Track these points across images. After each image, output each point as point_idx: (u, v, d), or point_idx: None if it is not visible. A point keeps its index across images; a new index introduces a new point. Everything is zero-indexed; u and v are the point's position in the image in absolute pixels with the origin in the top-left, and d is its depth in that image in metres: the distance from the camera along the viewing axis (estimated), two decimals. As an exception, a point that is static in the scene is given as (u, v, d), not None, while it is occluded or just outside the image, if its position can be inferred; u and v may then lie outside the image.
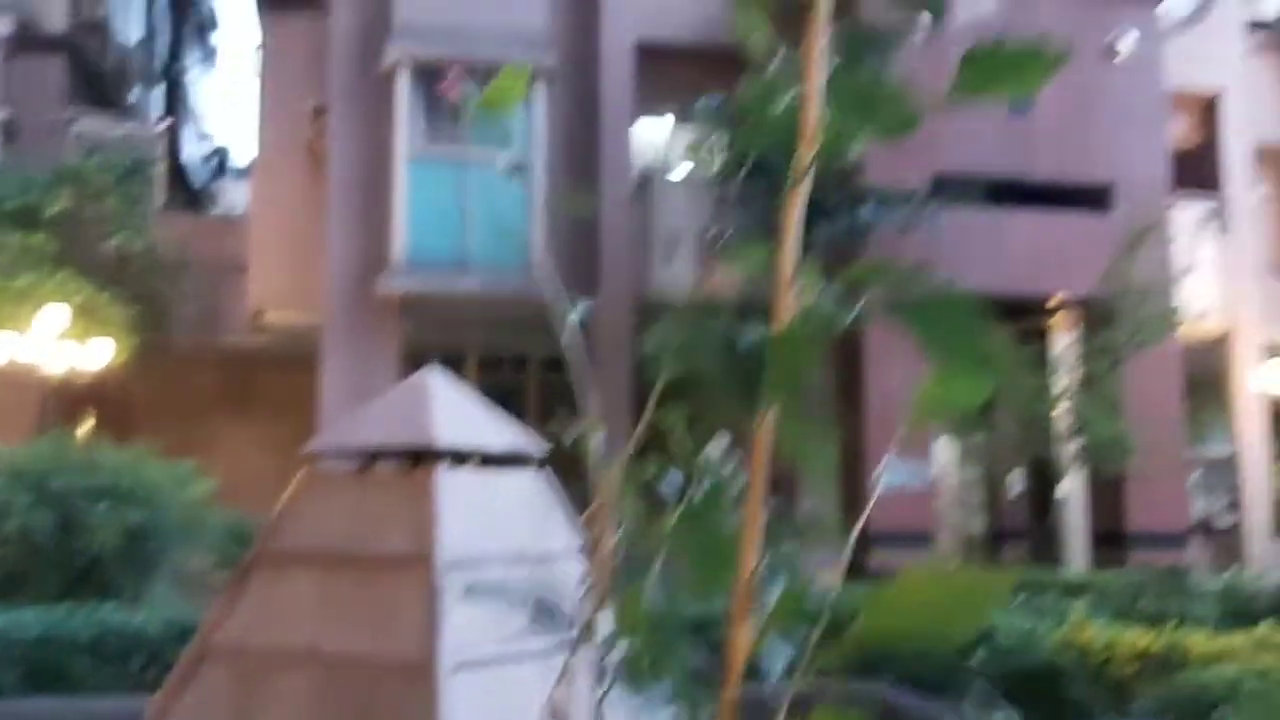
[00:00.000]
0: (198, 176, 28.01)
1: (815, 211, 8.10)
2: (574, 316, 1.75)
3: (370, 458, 3.49)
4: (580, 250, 14.33)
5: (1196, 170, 16.03)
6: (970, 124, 13.80)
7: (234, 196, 25.70)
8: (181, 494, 8.76)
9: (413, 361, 13.04)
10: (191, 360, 16.96)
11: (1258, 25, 17.10)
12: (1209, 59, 16.22)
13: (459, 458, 3.38)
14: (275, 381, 16.62)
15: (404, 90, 13.97)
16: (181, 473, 9.00)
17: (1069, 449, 13.28)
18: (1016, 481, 15.56)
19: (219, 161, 33.00)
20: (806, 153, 1.09)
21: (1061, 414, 13.20)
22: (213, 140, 33.25)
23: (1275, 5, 17.44)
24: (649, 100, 14.90)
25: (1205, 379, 15.48)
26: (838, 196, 12.38)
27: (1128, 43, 14.30)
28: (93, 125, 14.21)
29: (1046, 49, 1.03)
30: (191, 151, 27.89)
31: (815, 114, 1.10)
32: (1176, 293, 13.78)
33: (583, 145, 14.60)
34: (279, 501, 3.46)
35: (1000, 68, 1.05)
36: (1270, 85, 16.97)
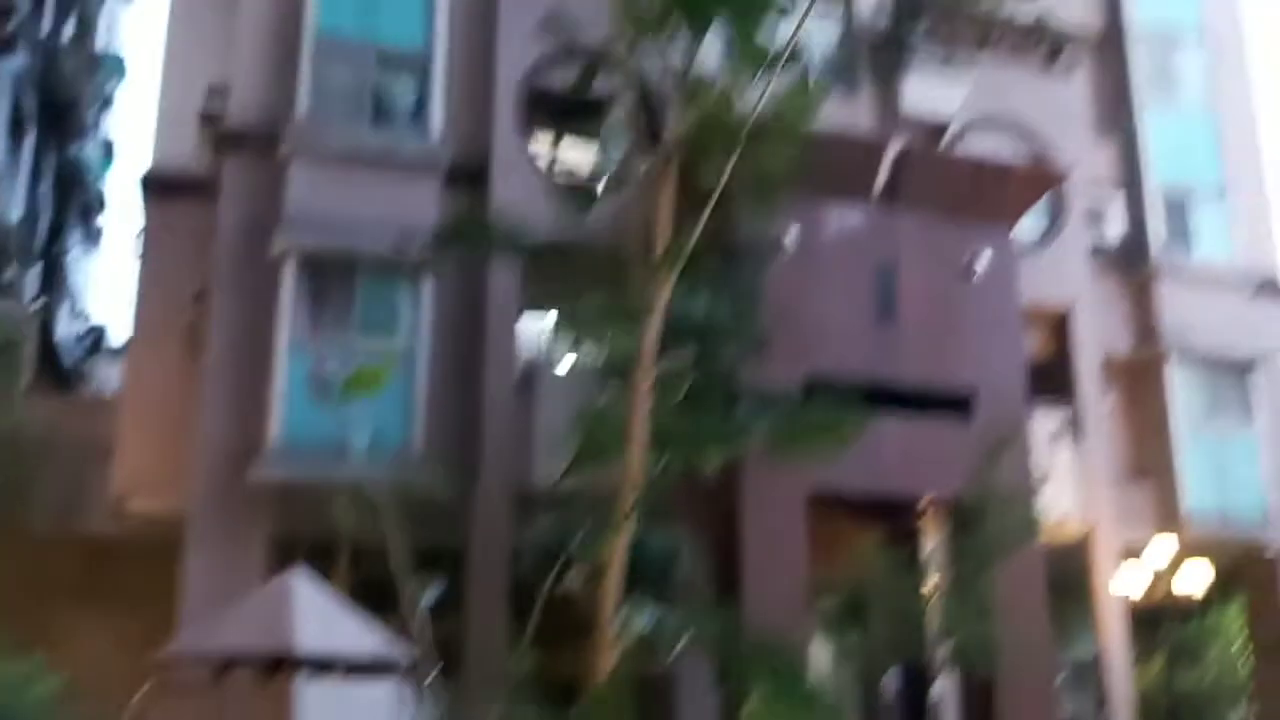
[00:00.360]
0: (71, 356, 27.34)
1: (692, 408, 8.26)
2: (425, 601, 1.82)
3: (227, 664, 3.42)
4: (463, 441, 14.34)
5: (1052, 380, 16.95)
6: (840, 329, 14.46)
7: (109, 377, 25.11)
8: (27, 693, 8.26)
9: (283, 553, 12.69)
10: (49, 547, 16.18)
11: (1100, 250, 18.48)
12: (1059, 278, 17.41)
13: (320, 665, 3.33)
14: (136, 573, 15.89)
15: (289, 279, 14.05)
16: (29, 669, 8.50)
17: (941, 650, 13.44)
18: (891, 682, 15.59)
19: (95, 340, 32.30)
20: (633, 473, 1.21)
21: (933, 615, 13.41)
22: (90, 319, 32.62)
23: (1116, 230, 18.88)
24: (536, 295, 15.24)
25: (1068, 582, 15.96)
26: (711, 399, 12.68)
27: (984, 261, 15.25)
28: (-37, 304, 13.95)
29: (842, 424, 1.17)
30: (67, 331, 27.30)
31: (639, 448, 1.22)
32: (1038, 498, 14.33)
33: (469, 336, 14.80)
34: (128, 711, 3.35)
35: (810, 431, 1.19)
36: (1112, 302, 18.21)
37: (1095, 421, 17.13)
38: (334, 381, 11.06)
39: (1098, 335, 17.63)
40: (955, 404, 14.85)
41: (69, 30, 23.04)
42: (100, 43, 27.31)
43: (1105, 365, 17.69)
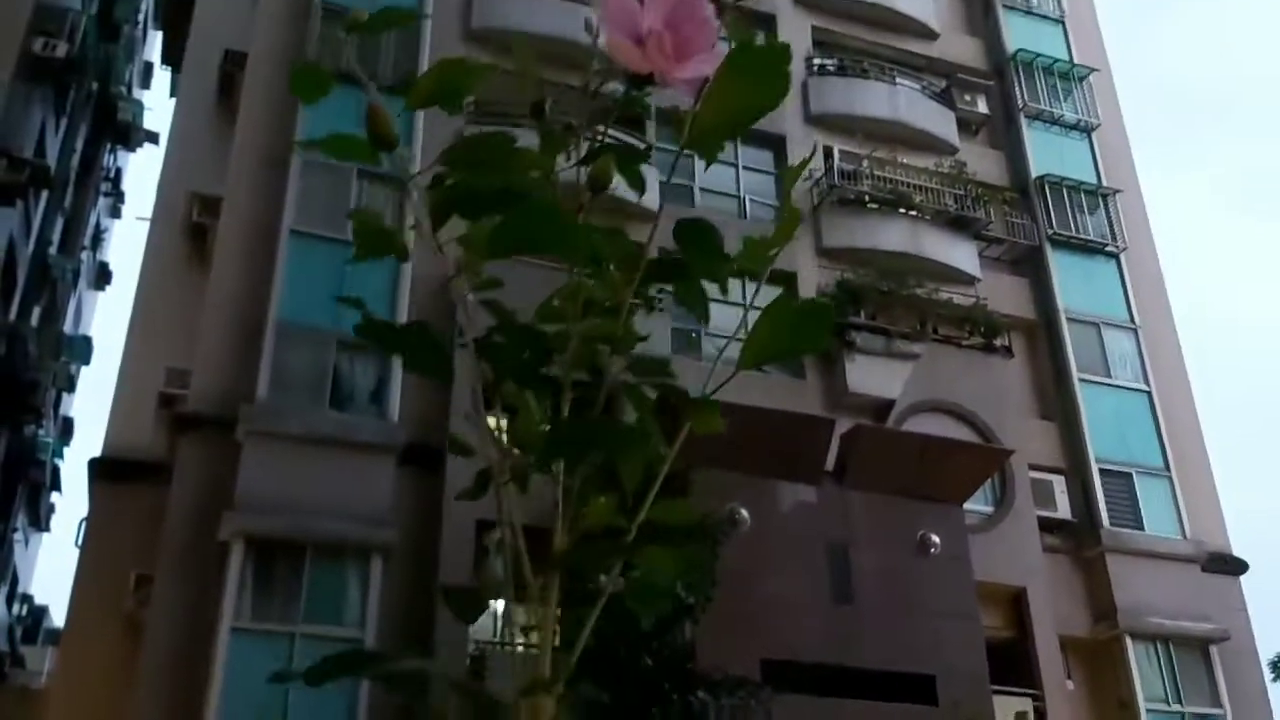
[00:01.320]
0: (8, 640, 26.35)
1: (650, 697, 8.09)
2: None
3: None
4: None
5: (1012, 661, 16.70)
6: (797, 610, 14.32)
7: (46, 661, 24.14)
8: None
9: None
10: None
11: (1050, 528, 18.66)
12: (1011, 556, 17.48)
13: None
14: None
15: (236, 563, 13.84)
16: None
17: None
18: None
19: (34, 622, 31.26)
20: None
21: None
22: (32, 601, 31.71)
23: (1064, 509, 19.14)
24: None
25: None
26: (670, 683, 12.42)
27: (937, 540, 15.37)
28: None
29: None
30: (5, 615, 26.44)
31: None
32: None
33: (419, 616, 14.48)
34: None
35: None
36: (1066, 581, 18.24)
37: (1059, 705, 16.78)
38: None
39: (1054, 614, 17.54)
40: (917, 689, 14.55)
41: (37, 313, 23.59)
42: (68, 325, 27.91)
43: (1064, 644, 17.51)
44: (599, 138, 1.12)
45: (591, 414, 1.11)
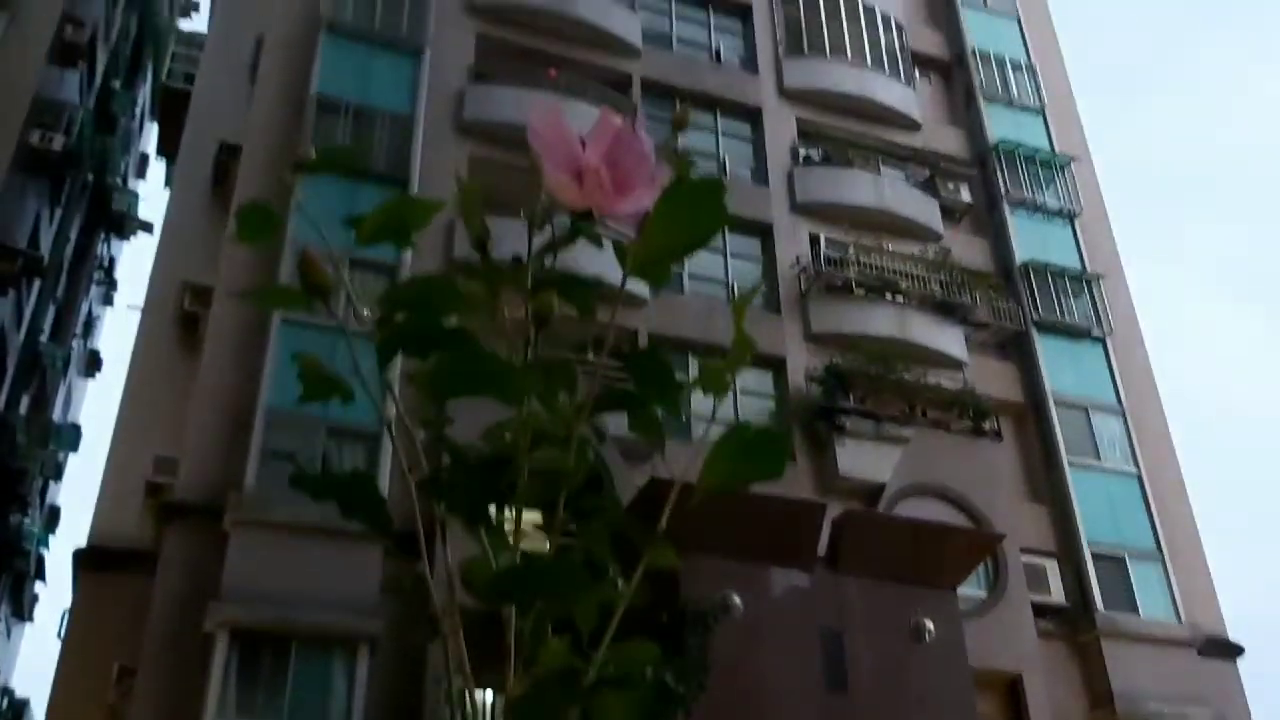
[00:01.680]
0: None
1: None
2: None
3: None
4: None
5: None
6: (791, 698, 14.11)
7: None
8: None
9: None
10: None
11: (1044, 612, 18.49)
12: (1006, 642, 17.32)
13: None
14: None
15: (221, 655, 13.65)
16: None
17: None
18: None
19: (14, 716, 30.66)
20: None
21: None
22: (13, 694, 31.13)
23: (1057, 593, 19.00)
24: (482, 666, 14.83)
25: None
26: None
27: (931, 625, 15.22)
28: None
29: None
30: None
31: None
32: None
33: (408, 708, 14.27)
34: None
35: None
36: (1062, 666, 18.05)
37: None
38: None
39: (1051, 701, 17.32)
40: (912, 780, 14.30)
41: (26, 401, 23.56)
42: (57, 412, 27.85)
43: (1060, 731, 17.28)
44: (544, 269, 1.16)
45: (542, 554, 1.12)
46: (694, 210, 1.05)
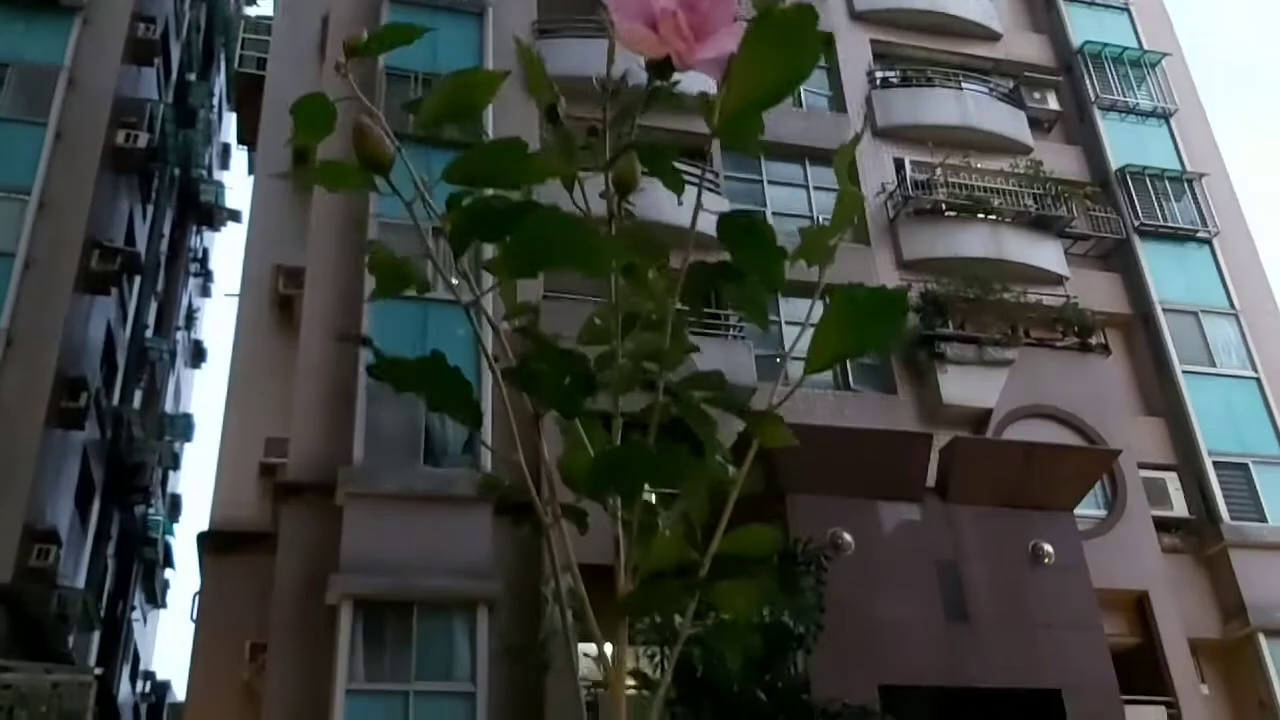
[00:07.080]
0: (133, 717, 26.95)
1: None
2: None
3: None
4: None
5: (1141, 670, 16.06)
6: (912, 633, 13.93)
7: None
8: None
9: None
10: None
11: (1166, 525, 17.95)
12: (1129, 560, 16.86)
13: None
14: None
15: (346, 625, 13.96)
16: None
17: None
18: None
19: (158, 699, 31.91)
20: None
21: None
22: (154, 677, 32.40)
23: (1179, 507, 18.43)
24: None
25: None
26: (786, 716, 12.14)
27: (1050, 549, 14.88)
28: (23, 678, 13.94)
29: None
30: (129, 693, 27.06)
31: None
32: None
33: (530, 664, 14.42)
34: None
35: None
36: (1189, 581, 17.52)
37: (1194, 710, 16.07)
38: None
39: (1181, 617, 16.84)
40: (1043, 705, 14.05)
41: (138, 396, 24.28)
42: (169, 404, 28.69)
43: (1194, 647, 16.80)
44: (623, 137, 1.03)
45: (644, 438, 1.01)
46: (785, 45, 0.91)
